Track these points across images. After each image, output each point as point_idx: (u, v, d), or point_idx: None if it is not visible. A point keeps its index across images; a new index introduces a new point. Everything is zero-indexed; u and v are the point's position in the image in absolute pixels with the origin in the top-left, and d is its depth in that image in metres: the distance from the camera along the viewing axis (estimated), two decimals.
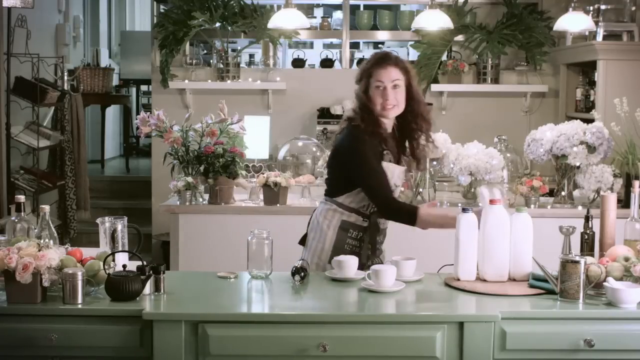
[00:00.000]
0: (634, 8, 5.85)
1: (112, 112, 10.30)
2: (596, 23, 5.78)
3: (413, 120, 3.36)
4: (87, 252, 2.89)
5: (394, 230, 4.48)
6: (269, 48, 6.94)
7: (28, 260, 2.64)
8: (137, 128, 4.70)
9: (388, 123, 3.37)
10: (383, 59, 3.31)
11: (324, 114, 6.66)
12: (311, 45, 10.38)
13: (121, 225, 3.01)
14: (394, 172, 3.36)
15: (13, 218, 3.05)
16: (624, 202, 4.25)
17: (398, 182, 3.42)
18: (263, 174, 4.67)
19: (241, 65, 6.96)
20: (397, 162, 3.40)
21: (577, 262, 2.77)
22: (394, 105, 3.28)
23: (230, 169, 4.51)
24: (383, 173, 3.29)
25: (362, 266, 3.18)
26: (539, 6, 6.78)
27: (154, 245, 6.76)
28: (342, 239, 3.36)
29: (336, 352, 2.65)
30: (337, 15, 7.55)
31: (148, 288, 2.79)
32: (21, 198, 3.05)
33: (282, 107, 6.85)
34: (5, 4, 5.96)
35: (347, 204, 3.36)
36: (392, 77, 3.27)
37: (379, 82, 3.27)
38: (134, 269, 2.77)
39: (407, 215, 3.25)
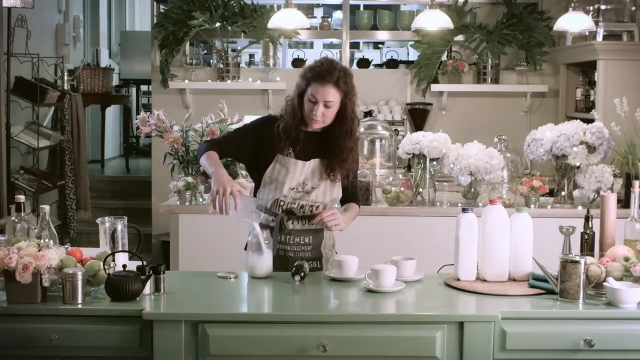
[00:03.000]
0: (634, 8, 5.85)
1: (112, 112, 10.29)
2: (596, 23, 5.78)
3: (340, 137, 3.25)
4: (87, 252, 2.89)
5: (392, 230, 4.50)
6: (269, 48, 6.94)
7: (28, 260, 2.64)
8: (137, 128, 4.69)
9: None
10: (324, 76, 3.15)
11: None
12: (311, 45, 10.40)
13: (121, 225, 3.01)
14: (296, 168, 3.24)
15: (13, 218, 3.05)
16: (624, 202, 4.25)
17: (307, 181, 3.27)
18: None
19: (241, 65, 6.96)
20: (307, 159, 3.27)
21: (577, 262, 2.77)
22: (319, 121, 3.21)
23: (230, 169, 4.50)
24: (231, 137, 3.43)
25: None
26: (539, 6, 6.78)
27: (154, 245, 6.76)
28: None
29: (336, 352, 2.65)
30: (337, 15, 7.55)
31: (148, 288, 2.79)
32: (21, 198, 3.05)
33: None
34: (5, 4, 5.96)
35: None
36: (326, 97, 3.16)
37: (312, 96, 3.18)
38: (134, 269, 2.77)
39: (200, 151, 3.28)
